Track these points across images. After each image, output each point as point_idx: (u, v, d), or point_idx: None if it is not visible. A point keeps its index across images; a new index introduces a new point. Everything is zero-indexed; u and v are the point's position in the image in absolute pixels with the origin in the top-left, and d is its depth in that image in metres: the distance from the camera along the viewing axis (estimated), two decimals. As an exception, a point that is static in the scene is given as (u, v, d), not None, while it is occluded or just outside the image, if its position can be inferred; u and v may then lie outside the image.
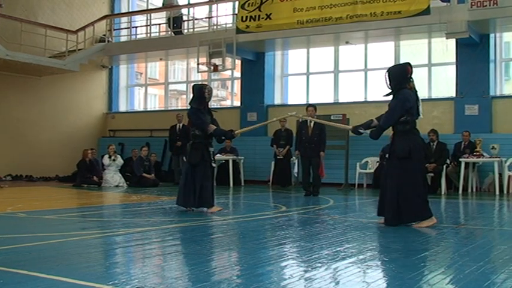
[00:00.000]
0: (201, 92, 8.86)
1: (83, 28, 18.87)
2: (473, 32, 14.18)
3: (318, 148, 12.51)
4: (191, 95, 9.10)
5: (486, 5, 13.45)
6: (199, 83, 11.78)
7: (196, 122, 8.82)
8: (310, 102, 17.49)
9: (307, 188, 12.62)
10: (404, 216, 7.08)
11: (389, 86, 7.41)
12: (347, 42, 16.70)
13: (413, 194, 7.07)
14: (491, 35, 14.97)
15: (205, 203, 8.82)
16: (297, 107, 17.23)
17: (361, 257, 5.10)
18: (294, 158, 15.65)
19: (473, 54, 14.89)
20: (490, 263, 4.92)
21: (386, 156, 7.50)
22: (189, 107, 9.19)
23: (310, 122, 12.33)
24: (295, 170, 13.70)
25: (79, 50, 18.54)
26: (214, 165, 9.10)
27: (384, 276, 4.38)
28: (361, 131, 7.80)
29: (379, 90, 16.98)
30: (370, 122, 7.77)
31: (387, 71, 7.45)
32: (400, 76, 7.34)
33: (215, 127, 8.88)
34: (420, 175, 7.34)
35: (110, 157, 16.35)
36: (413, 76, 7.47)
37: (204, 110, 8.89)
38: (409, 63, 7.52)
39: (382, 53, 17.14)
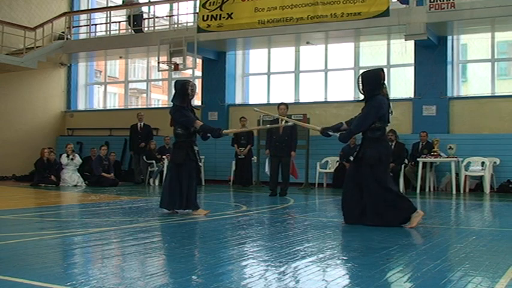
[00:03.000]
0: (184, 89, 8.52)
1: (42, 25, 18.57)
2: (431, 34, 14.41)
3: (289, 148, 12.35)
4: (173, 92, 8.76)
5: (444, 8, 13.69)
6: (182, 78, 11.13)
7: (181, 119, 8.47)
8: (271, 102, 17.61)
9: (273, 188, 12.38)
10: (391, 219, 7.00)
11: (362, 91, 7.28)
12: (307, 43, 16.81)
13: (393, 197, 7.04)
14: (449, 37, 15.25)
15: (191, 205, 8.50)
16: (258, 106, 17.29)
17: (320, 255, 5.14)
18: (254, 157, 15.71)
19: (431, 56, 15.13)
20: (447, 261, 5.01)
21: (351, 158, 7.41)
22: (171, 105, 8.93)
23: (281, 121, 12.22)
24: (266, 169, 13.50)
25: (37, 47, 18.24)
26: (200, 164, 8.80)
27: (343, 275, 4.42)
28: (330, 133, 7.75)
29: (339, 91, 17.26)
30: (339, 125, 7.65)
31: (360, 76, 7.34)
32: (373, 81, 7.23)
33: (202, 123, 8.62)
34: (390, 177, 7.39)
35: (67, 156, 16.14)
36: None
37: (187, 107, 8.59)
38: (382, 69, 7.48)
39: (342, 54, 17.30)
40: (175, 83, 8.79)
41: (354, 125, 7.39)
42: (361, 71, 7.92)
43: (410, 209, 7.10)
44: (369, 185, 7.08)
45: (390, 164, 7.78)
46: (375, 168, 7.07)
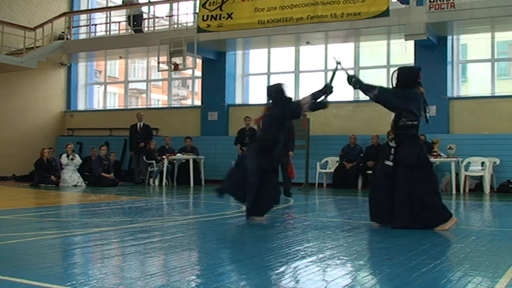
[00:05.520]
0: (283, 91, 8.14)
1: (42, 25, 18.56)
2: (431, 34, 14.41)
3: (287, 147, 12.04)
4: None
5: (444, 8, 13.69)
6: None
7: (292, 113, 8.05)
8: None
9: None
10: (424, 221, 6.78)
11: (396, 86, 7.09)
12: (307, 43, 16.80)
13: (431, 199, 6.82)
14: (449, 37, 15.24)
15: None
16: (258, 106, 17.29)
17: (320, 256, 5.14)
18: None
19: (431, 56, 15.13)
20: (447, 261, 5.01)
21: (389, 163, 6.92)
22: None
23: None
24: None
25: (37, 47, 18.23)
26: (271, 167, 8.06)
27: (343, 275, 4.41)
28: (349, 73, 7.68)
29: (339, 91, 17.22)
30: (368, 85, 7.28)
31: (397, 70, 7.15)
32: (410, 77, 7.08)
33: (308, 97, 8.03)
34: (434, 178, 7.13)
35: (67, 156, 16.13)
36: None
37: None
38: (420, 68, 7.31)
39: (342, 54, 17.28)
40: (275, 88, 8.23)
41: (382, 92, 7.10)
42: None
43: (448, 213, 6.94)
44: (410, 183, 6.80)
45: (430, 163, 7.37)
46: (416, 168, 6.83)
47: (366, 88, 7.24)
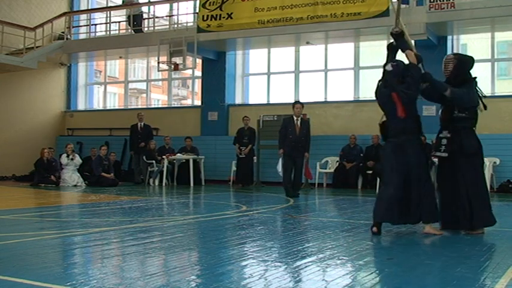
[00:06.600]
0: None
1: (42, 25, 18.55)
2: (431, 34, 14.40)
3: (304, 148, 12.00)
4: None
5: (444, 8, 13.69)
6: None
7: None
8: (271, 102, 17.65)
9: (288, 189, 11.93)
10: (476, 220, 6.44)
11: (452, 74, 6.65)
12: (307, 43, 16.79)
13: (487, 194, 6.57)
14: (449, 37, 15.23)
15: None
16: (259, 106, 17.32)
17: (320, 256, 5.14)
18: (254, 157, 15.70)
19: (431, 55, 15.02)
20: (447, 261, 5.00)
21: (442, 154, 6.57)
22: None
23: (297, 120, 11.92)
24: (279, 169, 12.99)
25: (37, 47, 18.23)
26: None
27: (343, 275, 4.41)
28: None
29: (339, 91, 17.24)
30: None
31: (456, 58, 6.76)
32: (469, 68, 6.74)
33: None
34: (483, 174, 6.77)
35: (67, 156, 16.12)
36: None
37: None
38: (473, 58, 6.95)
39: (342, 54, 17.29)
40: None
41: (457, 91, 6.53)
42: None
43: (493, 221, 6.62)
44: (473, 178, 6.48)
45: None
46: (473, 159, 6.52)
47: (439, 85, 6.74)
